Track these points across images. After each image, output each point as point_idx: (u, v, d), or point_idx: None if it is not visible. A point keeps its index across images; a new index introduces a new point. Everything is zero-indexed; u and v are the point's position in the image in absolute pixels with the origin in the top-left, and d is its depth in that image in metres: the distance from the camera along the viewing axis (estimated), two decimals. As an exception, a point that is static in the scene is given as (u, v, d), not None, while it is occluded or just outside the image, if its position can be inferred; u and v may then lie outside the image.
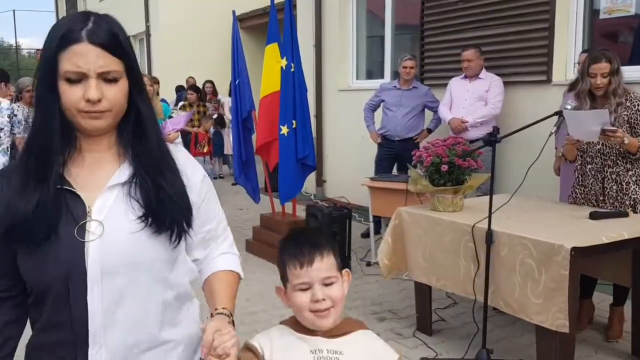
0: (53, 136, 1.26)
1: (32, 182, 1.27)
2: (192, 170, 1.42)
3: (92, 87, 1.22)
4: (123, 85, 1.27)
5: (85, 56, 1.22)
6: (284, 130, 5.35)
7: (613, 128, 3.40)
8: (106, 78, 1.24)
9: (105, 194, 1.30)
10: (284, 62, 5.35)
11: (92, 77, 1.22)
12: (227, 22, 13.65)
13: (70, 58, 1.22)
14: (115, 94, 1.26)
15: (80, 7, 20.39)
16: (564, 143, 3.76)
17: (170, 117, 6.26)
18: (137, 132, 1.33)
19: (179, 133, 6.57)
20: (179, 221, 1.34)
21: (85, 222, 1.28)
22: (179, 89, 11.63)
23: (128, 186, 1.31)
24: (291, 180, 5.49)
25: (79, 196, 1.29)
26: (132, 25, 15.25)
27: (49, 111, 1.25)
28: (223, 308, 1.46)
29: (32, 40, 76.14)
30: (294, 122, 5.38)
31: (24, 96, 5.98)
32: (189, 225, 1.37)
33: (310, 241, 1.48)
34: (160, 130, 1.37)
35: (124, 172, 1.32)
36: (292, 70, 5.37)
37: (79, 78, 1.22)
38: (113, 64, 1.25)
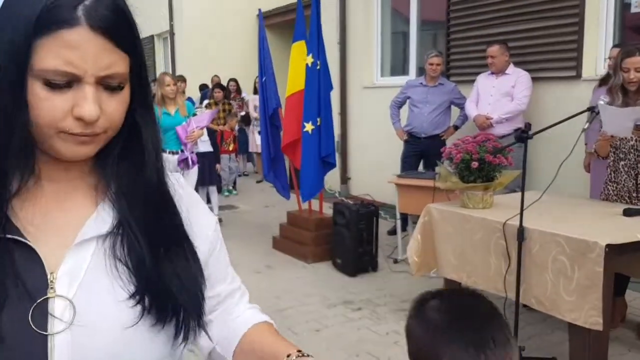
0: (2, 158, 0.79)
1: None
2: (202, 215, 1.01)
3: (88, 100, 0.79)
4: (126, 93, 0.85)
5: (81, 49, 0.77)
6: (308, 127, 5.36)
7: None
8: (108, 85, 0.81)
9: (76, 252, 0.84)
10: (309, 59, 5.36)
11: (89, 83, 0.79)
12: (251, 19, 13.78)
13: (58, 50, 0.76)
14: (116, 108, 0.83)
15: None
16: (597, 139, 3.72)
17: (195, 114, 6.27)
18: (129, 158, 0.89)
19: (205, 130, 6.60)
20: (189, 308, 0.90)
21: (47, 300, 0.81)
22: (203, 88, 11.71)
23: (111, 241, 0.87)
24: (313, 178, 5.51)
25: (35, 253, 0.81)
26: (156, 24, 15.38)
27: (4, 124, 0.78)
28: (299, 351, 0.98)
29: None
30: (318, 119, 5.39)
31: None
32: (201, 315, 0.94)
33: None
34: (162, 160, 0.93)
35: (104, 216, 0.87)
36: (318, 67, 5.38)
37: (67, 81, 0.78)
38: (120, 63, 0.81)
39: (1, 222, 0.80)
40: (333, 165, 5.75)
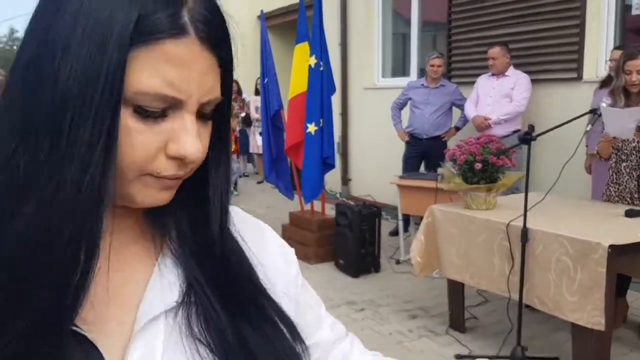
0: (94, 224, 0.56)
1: (12, 320, 0.54)
2: (273, 250, 0.81)
3: (191, 134, 0.60)
4: (210, 123, 0.66)
5: (188, 67, 0.59)
6: (311, 128, 5.38)
7: None
8: (203, 113, 0.63)
9: (143, 337, 0.63)
10: (312, 60, 5.37)
11: (190, 112, 0.61)
12: (251, 20, 13.80)
13: (157, 68, 0.57)
14: (207, 144, 0.65)
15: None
16: (599, 140, 3.75)
17: None
18: (190, 205, 0.69)
19: None
20: None
21: None
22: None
23: (184, 313, 0.65)
24: (315, 179, 5.53)
25: (94, 347, 0.60)
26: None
27: (97, 170, 0.55)
28: None
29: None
30: (321, 120, 5.41)
31: None
32: None
33: None
34: (228, 212, 0.72)
35: (168, 277, 0.66)
36: (322, 69, 5.40)
37: (163, 108, 0.59)
38: (218, 85, 0.64)
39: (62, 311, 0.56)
40: (332, 167, 5.78)
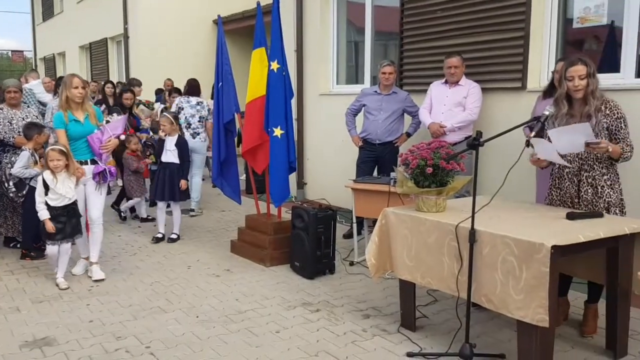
0: None
1: None
2: None
3: None
4: None
5: None
6: (277, 132, 5.43)
7: (597, 140, 3.58)
8: None
9: None
10: (274, 65, 5.44)
11: None
12: (206, 25, 13.78)
13: None
14: None
15: (57, 9, 20.25)
16: (530, 159, 3.88)
17: (108, 122, 5.63)
18: None
19: (170, 139, 6.44)
20: None
21: None
22: (159, 92, 11.63)
23: None
24: (283, 182, 5.59)
25: None
26: (110, 28, 15.21)
27: None
28: None
29: (6, 41, 74.69)
30: (286, 124, 5.49)
31: (5, 97, 5.97)
32: None
33: None
34: None
35: None
36: (284, 73, 5.48)
37: None
38: None
39: None
40: (294, 170, 5.86)
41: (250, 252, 5.77)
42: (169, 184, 6.42)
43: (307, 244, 5.16)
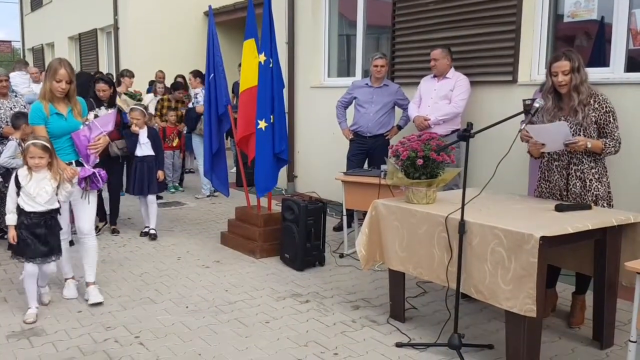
0: None
1: None
2: None
3: None
4: None
5: None
6: (262, 124, 5.43)
7: (574, 139, 3.64)
8: None
9: None
10: (262, 57, 5.43)
11: None
12: (196, 16, 13.71)
13: None
14: None
15: (45, -1, 19.99)
16: (526, 138, 3.91)
17: (96, 116, 4.99)
18: None
19: (144, 131, 6.25)
20: None
21: None
22: (152, 84, 11.57)
23: None
24: (268, 174, 5.59)
25: None
26: (100, 19, 15.09)
27: None
28: None
29: (-7, 30, 73.83)
30: (272, 116, 5.47)
31: (-4, 86, 5.92)
32: None
33: None
34: None
35: None
36: (271, 65, 5.46)
37: None
38: None
39: None
40: (286, 162, 5.85)
41: (240, 244, 5.77)
42: (147, 177, 6.23)
43: (297, 236, 5.16)
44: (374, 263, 4.14)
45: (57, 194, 4.02)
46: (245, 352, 3.58)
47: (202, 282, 4.88)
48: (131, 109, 6.38)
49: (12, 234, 3.93)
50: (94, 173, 4.27)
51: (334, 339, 3.77)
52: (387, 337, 3.79)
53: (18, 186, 3.94)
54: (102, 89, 6.18)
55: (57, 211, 4.07)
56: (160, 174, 6.31)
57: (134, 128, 6.23)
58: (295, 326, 3.97)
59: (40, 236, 3.97)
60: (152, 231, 6.30)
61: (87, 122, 4.32)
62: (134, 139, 6.25)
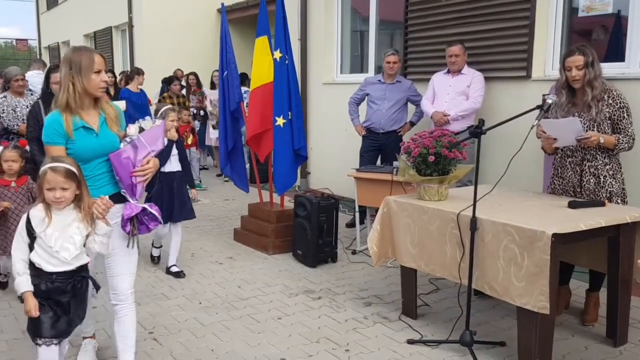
0: None
1: None
2: None
3: None
4: None
5: None
6: (280, 121, 5.44)
7: (586, 135, 3.61)
8: None
9: None
10: (277, 54, 5.44)
11: None
12: (210, 13, 13.76)
13: None
14: None
15: (61, -3, 20.17)
16: (540, 133, 3.90)
17: (142, 129, 3.00)
18: None
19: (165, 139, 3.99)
20: None
21: None
22: (165, 81, 11.63)
23: None
24: (287, 171, 5.61)
25: None
26: (114, 16, 15.19)
27: None
28: None
29: (10, 29, 74.67)
30: (289, 113, 5.49)
31: (12, 85, 5.99)
32: None
33: None
34: None
35: None
36: (287, 62, 5.47)
37: None
38: None
39: None
40: (305, 158, 5.87)
41: (253, 240, 5.80)
42: (179, 199, 4.95)
43: (310, 232, 5.18)
44: (386, 260, 4.14)
45: (86, 245, 2.72)
46: (258, 347, 3.61)
47: (215, 278, 4.91)
48: (165, 111, 5.01)
49: (31, 305, 2.62)
50: (143, 209, 2.94)
51: (345, 335, 3.78)
52: (399, 334, 3.80)
53: (31, 234, 2.63)
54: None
55: (86, 267, 2.80)
56: (194, 192, 5.20)
57: (173, 134, 4.89)
58: (307, 322, 3.99)
59: (64, 306, 2.70)
60: (174, 268, 5.01)
61: (129, 138, 2.96)
62: (167, 149, 4.80)
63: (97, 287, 2.92)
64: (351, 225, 6.44)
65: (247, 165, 9.10)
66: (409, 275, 4.02)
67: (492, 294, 3.35)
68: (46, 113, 3.95)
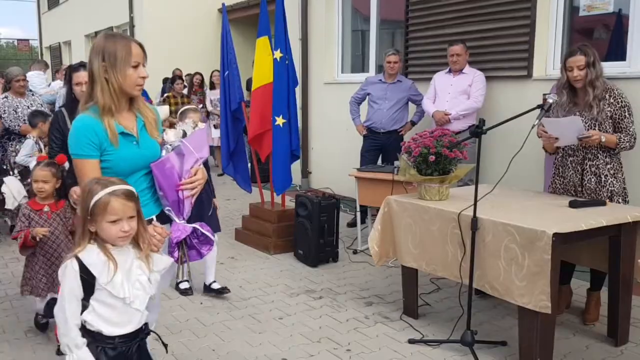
0: None
1: None
2: None
3: None
4: None
5: None
6: (279, 121, 5.44)
7: (587, 134, 3.61)
8: None
9: None
10: (278, 54, 5.44)
11: None
12: (211, 13, 13.76)
13: None
14: None
15: (62, -3, 20.19)
16: (541, 133, 3.90)
17: (185, 133, 2.59)
18: None
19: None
20: None
21: None
22: (166, 81, 11.64)
23: None
24: (285, 170, 5.61)
25: None
26: (115, 16, 15.19)
27: None
28: None
29: (11, 29, 74.80)
30: (289, 113, 5.50)
31: (13, 86, 6.00)
32: None
33: None
34: None
35: None
36: (287, 62, 5.48)
37: None
38: None
39: None
40: (297, 158, 5.87)
41: (254, 240, 5.80)
42: (197, 211, 3.68)
43: (311, 232, 5.18)
44: (387, 259, 4.14)
45: None
46: (259, 347, 3.61)
47: (217, 278, 4.90)
48: (184, 111, 4.57)
49: None
50: (193, 230, 2.54)
51: (346, 335, 3.79)
52: (400, 334, 3.80)
53: (87, 288, 2.05)
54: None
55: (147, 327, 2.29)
56: (216, 202, 4.74)
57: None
58: (309, 322, 3.99)
59: None
60: (215, 285, 4.57)
61: (170, 144, 2.52)
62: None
63: (164, 346, 2.42)
64: (352, 224, 6.44)
65: (248, 165, 9.15)
66: (410, 275, 4.03)
67: (493, 294, 3.35)
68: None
